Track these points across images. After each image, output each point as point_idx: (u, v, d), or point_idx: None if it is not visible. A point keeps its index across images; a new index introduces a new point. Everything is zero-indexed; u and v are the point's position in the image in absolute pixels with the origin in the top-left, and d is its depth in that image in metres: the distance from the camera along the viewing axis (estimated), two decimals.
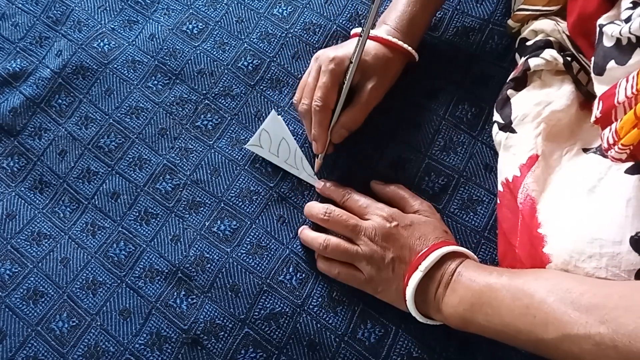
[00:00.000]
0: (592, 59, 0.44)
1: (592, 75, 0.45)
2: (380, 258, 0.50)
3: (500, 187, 0.53)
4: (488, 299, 0.43)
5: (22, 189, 0.60)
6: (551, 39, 0.54)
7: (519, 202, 0.48)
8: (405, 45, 0.57)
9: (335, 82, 0.54)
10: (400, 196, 0.55)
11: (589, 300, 0.37)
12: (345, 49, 0.56)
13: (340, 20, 0.66)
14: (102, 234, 0.57)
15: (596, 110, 0.42)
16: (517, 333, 0.41)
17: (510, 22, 0.60)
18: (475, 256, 0.51)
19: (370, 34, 0.55)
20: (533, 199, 0.48)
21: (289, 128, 0.60)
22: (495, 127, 0.54)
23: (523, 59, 0.55)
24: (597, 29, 0.44)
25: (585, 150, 0.49)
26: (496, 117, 0.55)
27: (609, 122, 0.39)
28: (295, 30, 0.66)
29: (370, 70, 0.56)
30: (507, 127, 0.53)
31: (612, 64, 0.41)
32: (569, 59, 0.52)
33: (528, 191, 0.48)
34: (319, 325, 0.52)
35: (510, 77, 0.56)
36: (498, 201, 0.53)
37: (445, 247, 0.48)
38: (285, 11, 0.67)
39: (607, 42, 0.42)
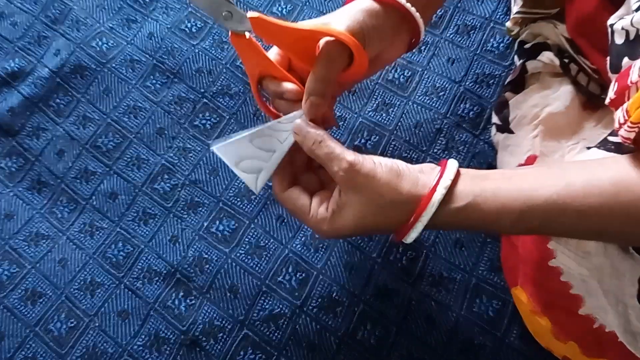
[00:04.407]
0: (607, 59, 0.43)
1: (609, 74, 0.43)
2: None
3: None
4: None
5: (20, 189, 0.60)
6: (549, 41, 0.54)
7: None
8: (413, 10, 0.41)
9: None
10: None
11: None
12: None
13: None
14: (101, 234, 0.57)
15: (611, 92, 0.40)
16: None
17: (508, 24, 0.60)
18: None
19: None
20: None
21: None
22: (493, 129, 0.55)
23: (520, 61, 0.55)
24: (609, 29, 0.43)
25: (589, 148, 0.48)
26: (494, 119, 0.55)
27: (622, 102, 0.39)
28: None
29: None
30: (505, 128, 0.53)
31: (625, 60, 0.40)
32: (566, 60, 0.52)
33: None
34: (318, 327, 0.52)
35: (508, 80, 0.56)
36: None
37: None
38: (285, 9, 0.67)
39: (619, 40, 0.41)
